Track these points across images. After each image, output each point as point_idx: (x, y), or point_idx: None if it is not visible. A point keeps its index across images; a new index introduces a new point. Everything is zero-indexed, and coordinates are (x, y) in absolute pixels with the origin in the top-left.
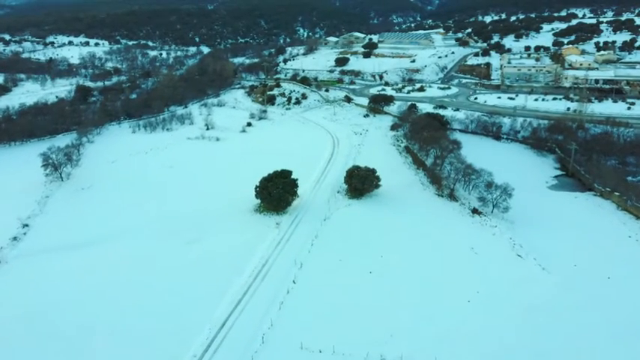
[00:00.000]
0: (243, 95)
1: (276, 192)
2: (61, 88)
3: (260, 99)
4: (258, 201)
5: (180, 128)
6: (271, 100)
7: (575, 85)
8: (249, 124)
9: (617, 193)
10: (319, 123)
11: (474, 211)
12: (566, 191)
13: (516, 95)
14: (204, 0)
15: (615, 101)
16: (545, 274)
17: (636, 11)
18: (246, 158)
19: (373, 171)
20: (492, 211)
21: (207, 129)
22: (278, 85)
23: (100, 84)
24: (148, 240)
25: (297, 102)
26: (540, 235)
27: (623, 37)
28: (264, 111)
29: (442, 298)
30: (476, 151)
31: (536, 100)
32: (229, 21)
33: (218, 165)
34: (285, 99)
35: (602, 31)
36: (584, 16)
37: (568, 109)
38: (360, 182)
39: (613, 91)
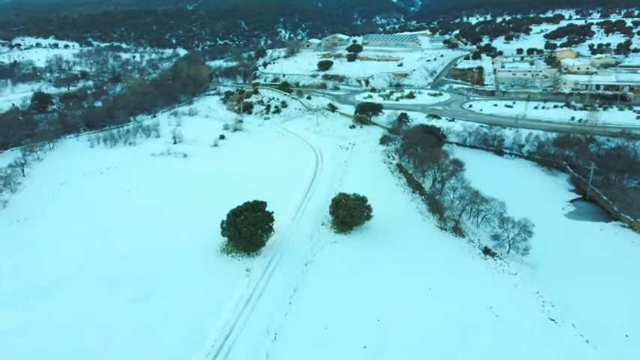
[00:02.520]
0: (218, 102)
1: (247, 230)
2: (21, 95)
3: (236, 107)
4: (226, 238)
5: (144, 142)
6: (248, 109)
7: (576, 92)
8: (221, 137)
9: None
10: (301, 135)
11: (486, 251)
12: (587, 220)
13: (514, 102)
14: (183, 0)
15: (621, 109)
16: (591, 350)
17: (622, 12)
18: (215, 180)
19: (363, 200)
20: (508, 252)
21: (175, 143)
22: (256, 92)
23: (64, 89)
24: (82, 296)
25: (277, 110)
26: (573, 288)
27: (616, 39)
28: (240, 121)
29: None
30: (477, 169)
31: (535, 108)
32: (208, 22)
33: (182, 189)
34: (264, 107)
35: (593, 32)
36: (570, 18)
37: (572, 118)
38: (349, 214)
39: (618, 97)
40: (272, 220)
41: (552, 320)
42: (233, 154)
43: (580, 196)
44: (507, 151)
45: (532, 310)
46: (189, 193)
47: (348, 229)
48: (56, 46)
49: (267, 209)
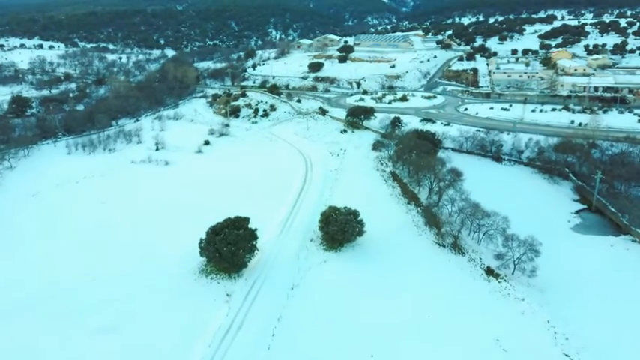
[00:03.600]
0: (205, 106)
1: (227, 250)
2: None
3: (222, 111)
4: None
5: (125, 148)
6: (235, 112)
7: (574, 94)
8: (206, 143)
9: None
10: (289, 140)
11: (489, 271)
12: (595, 234)
13: (510, 105)
14: (172, 0)
15: (621, 112)
16: None
17: (615, 12)
18: (197, 190)
19: (355, 214)
20: (513, 273)
21: (157, 149)
22: (244, 95)
23: (46, 92)
24: (40, 326)
25: (265, 114)
26: (588, 316)
27: (611, 39)
28: (226, 125)
29: None
30: (475, 177)
31: (533, 111)
32: (197, 22)
33: (161, 200)
34: (252, 110)
35: (588, 33)
36: (563, 18)
37: (572, 122)
38: (339, 230)
39: (617, 100)
40: (255, 237)
41: (567, 356)
42: (217, 161)
43: (585, 206)
44: (506, 158)
45: (543, 343)
46: (168, 204)
47: (338, 246)
48: (41, 47)
49: (250, 226)
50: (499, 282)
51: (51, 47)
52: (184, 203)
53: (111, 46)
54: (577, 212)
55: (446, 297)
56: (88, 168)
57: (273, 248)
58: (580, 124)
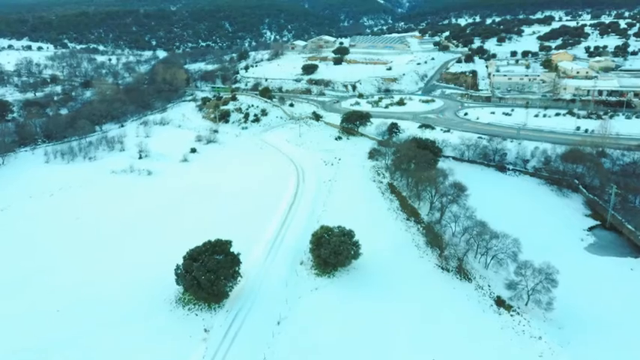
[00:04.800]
0: (194, 110)
1: (206, 278)
2: None
3: (212, 115)
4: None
5: (106, 156)
6: (225, 117)
7: (578, 98)
8: (193, 151)
9: None
10: (281, 148)
11: (500, 302)
12: (612, 255)
13: (512, 110)
14: (166, 1)
15: (628, 117)
16: None
17: (613, 13)
18: (179, 205)
19: (350, 234)
20: (527, 304)
21: (140, 157)
22: (234, 98)
23: (30, 95)
24: None
25: (256, 119)
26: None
27: (611, 40)
28: (215, 131)
29: None
30: (479, 189)
31: (536, 116)
32: (191, 23)
33: (140, 216)
34: (242, 115)
35: (588, 34)
36: (560, 19)
37: (578, 128)
38: (332, 254)
39: (624, 104)
40: (238, 263)
41: None
42: (203, 172)
43: (598, 222)
44: (510, 167)
45: None
46: (147, 221)
47: (331, 271)
48: (29, 48)
49: (233, 249)
50: (511, 315)
51: (39, 48)
52: (164, 220)
53: (101, 47)
54: (590, 229)
55: (453, 334)
56: (66, 178)
57: (259, 273)
58: (586, 131)
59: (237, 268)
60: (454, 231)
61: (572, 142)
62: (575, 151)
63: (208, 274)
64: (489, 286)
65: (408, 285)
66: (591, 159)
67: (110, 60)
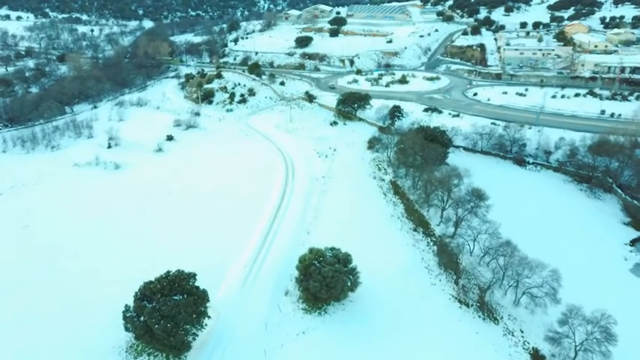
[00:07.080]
0: (176, 88)
1: (161, 327)
2: None
3: (194, 95)
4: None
5: (72, 144)
6: (208, 97)
7: (599, 75)
8: (169, 139)
9: None
10: (269, 135)
11: (537, 357)
12: None
13: (526, 89)
14: None
15: None
16: None
17: None
18: (143, 211)
19: (345, 260)
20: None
21: (109, 146)
22: (219, 76)
23: (2, 70)
24: None
25: (243, 100)
26: None
27: (628, 10)
28: (197, 114)
29: None
30: (496, 188)
31: (553, 96)
32: None
33: (96, 225)
34: (227, 95)
35: (601, 3)
36: None
37: (602, 111)
38: (324, 287)
39: None
40: (205, 301)
41: None
42: (177, 165)
43: None
44: (531, 160)
45: None
46: (104, 233)
47: (323, 306)
48: (8, 17)
49: (199, 283)
50: None
51: (19, 18)
52: (123, 231)
53: (84, 17)
54: (633, 242)
55: None
56: (21, 173)
57: (233, 309)
58: (612, 115)
59: (203, 308)
60: (472, 249)
61: (599, 130)
62: (605, 142)
63: (163, 321)
64: (522, 331)
65: (419, 326)
66: (623, 150)
67: (92, 31)
